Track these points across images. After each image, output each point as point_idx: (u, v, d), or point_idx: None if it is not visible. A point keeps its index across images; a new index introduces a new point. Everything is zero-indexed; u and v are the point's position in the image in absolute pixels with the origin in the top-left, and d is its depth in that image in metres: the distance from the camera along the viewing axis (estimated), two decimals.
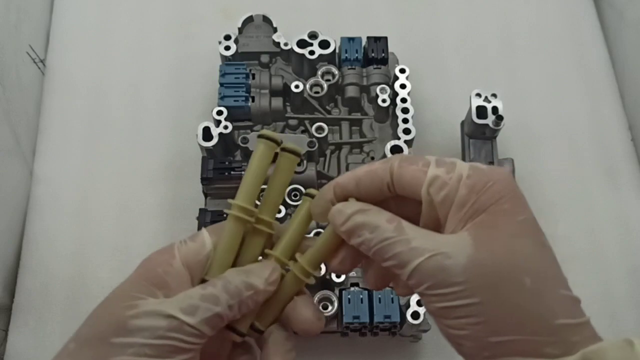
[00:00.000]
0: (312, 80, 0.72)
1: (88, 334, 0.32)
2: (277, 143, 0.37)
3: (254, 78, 0.72)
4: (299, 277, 0.37)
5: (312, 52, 0.73)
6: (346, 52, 0.74)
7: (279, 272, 0.36)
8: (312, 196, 0.37)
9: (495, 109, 0.70)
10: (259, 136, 0.37)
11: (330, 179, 0.69)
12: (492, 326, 0.29)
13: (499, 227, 0.30)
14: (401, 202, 0.34)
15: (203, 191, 0.68)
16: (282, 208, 0.64)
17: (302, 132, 0.72)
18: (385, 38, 0.74)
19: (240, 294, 0.33)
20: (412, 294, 0.39)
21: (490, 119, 0.70)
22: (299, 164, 0.67)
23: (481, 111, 0.70)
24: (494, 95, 0.71)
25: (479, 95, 0.70)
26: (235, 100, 0.70)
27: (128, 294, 0.32)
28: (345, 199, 0.34)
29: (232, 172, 0.66)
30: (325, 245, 0.36)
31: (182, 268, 0.34)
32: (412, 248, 0.30)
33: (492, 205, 0.31)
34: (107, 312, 0.32)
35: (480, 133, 0.71)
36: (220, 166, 0.66)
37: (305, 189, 0.66)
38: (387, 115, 0.72)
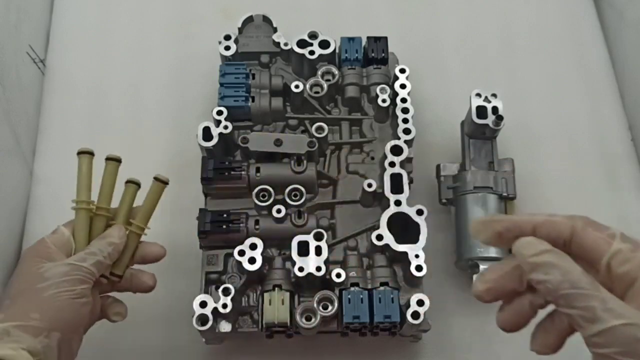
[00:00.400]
0: (312, 80, 0.72)
1: (17, 289, 0.50)
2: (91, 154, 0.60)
3: (254, 78, 0.72)
4: (135, 231, 0.58)
5: (312, 52, 0.73)
6: (346, 52, 0.73)
7: (124, 229, 0.57)
8: (136, 183, 0.60)
9: (495, 109, 0.70)
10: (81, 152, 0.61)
11: (330, 178, 0.69)
12: None
13: None
14: None
15: (203, 191, 0.68)
16: (282, 208, 0.64)
17: (302, 132, 0.72)
18: (385, 38, 0.74)
19: (107, 248, 0.54)
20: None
21: (490, 119, 0.70)
22: (299, 164, 0.67)
23: (481, 111, 0.70)
24: (494, 95, 0.71)
25: (479, 95, 0.70)
26: (235, 100, 0.70)
27: (31, 264, 0.51)
28: (515, 238, 0.35)
29: (232, 172, 0.66)
30: (147, 204, 0.59)
31: (56, 249, 0.53)
32: (609, 308, 0.31)
33: None
34: (24, 275, 0.51)
35: (480, 133, 0.71)
36: (220, 166, 0.66)
37: (306, 188, 0.66)
38: (387, 115, 0.72)
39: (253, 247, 0.62)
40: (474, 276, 0.36)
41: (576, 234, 0.34)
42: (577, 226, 0.34)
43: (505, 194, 0.68)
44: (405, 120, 0.69)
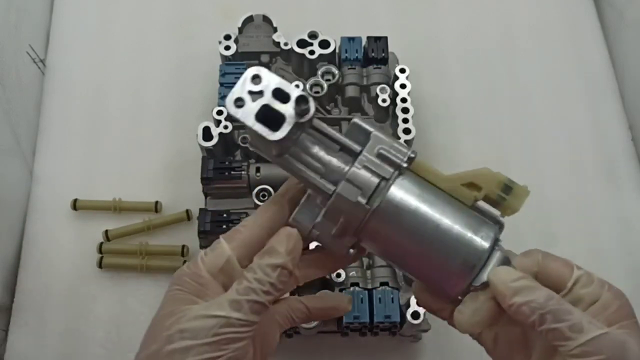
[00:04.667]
0: (312, 80, 0.72)
1: (145, 351, 0.34)
2: None
3: None
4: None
5: (312, 52, 0.73)
6: (346, 52, 0.73)
7: (295, 236, 0.37)
8: None
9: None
10: None
11: None
12: None
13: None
14: None
15: (203, 191, 0.68)
16: None
17: None
18: (386, 38, 0.74)
19: (269, 276, 0.35)
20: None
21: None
22: None
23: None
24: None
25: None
26: None
27: (170, 306, 0.35)
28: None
29: (232, 172, 0.66)
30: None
31: (210, 277, 0.36)
32: (590, 320, 0.33)
33: (631, 315, 0.35)
34: (158, 330, 0.34)
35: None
36: (220, 166, 0.66)
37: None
38: (387, 115, 0.72)
39: None
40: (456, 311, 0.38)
41: (540, 264, 0.37)
42: (539, 259, 0.37)
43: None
44: (405, 120, 0.69)
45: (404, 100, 0.70)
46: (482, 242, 0.38)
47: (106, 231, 0.72)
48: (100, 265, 0.71)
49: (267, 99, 0.36)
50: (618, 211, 0.76)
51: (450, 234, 0.38)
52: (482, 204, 0.40)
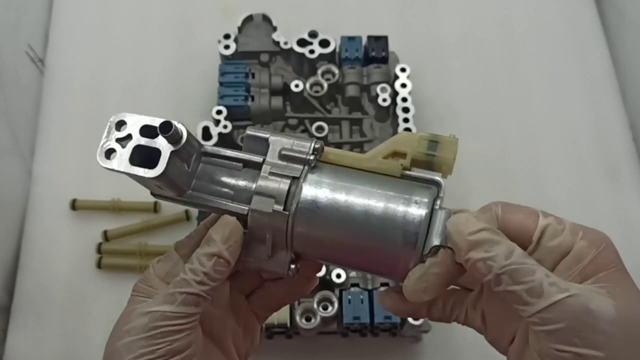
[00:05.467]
0: (312, 80, 0.72)
1: (104, 356, 0.36)
2: None
3: (253, 77, 0.72)
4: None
5: (312, 51, 0.72)
6: (346, 51, 0.73)
7: (231, 223, 0.35)
8: None
9: None
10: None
11: None
12: None
13: (631, 288, 0.31)
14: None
15: None
16: None
17: (302, 131, 0.71)
18: (386, 37, 0.74)
19: (204, 266, 0.34)
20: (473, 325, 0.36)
21: None
22: None
23: None
24: None
25: None
26: (234, 100, 0.70)
27: (123, 314, 0.36)
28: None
29: None
30: None
31: (159, 280, 0.37)
32: (553, 282, 0.29)
33: (612, 263, 0.31)
34: (112, 333, 0.36)
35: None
36: None
37: None
38: (387, 114, 0.72)
39: None
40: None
41: (500, 219, 0.33)
42: (498, 212, 0.33)
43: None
44: (406, 120, 0.69)
45: (404, 99, 0.70)
46: (418, 209, 0.34)
47: (105, 231, 0.71)
48: (99, 265, 0.70)
49: (137, 139, 0.34)
50: (619, 210, 0.75)
51: (380, 213, 0.34)
52: (415, 172, 0.37)
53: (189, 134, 0.34)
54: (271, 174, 0.35)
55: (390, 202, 0.34)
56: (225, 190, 0.36)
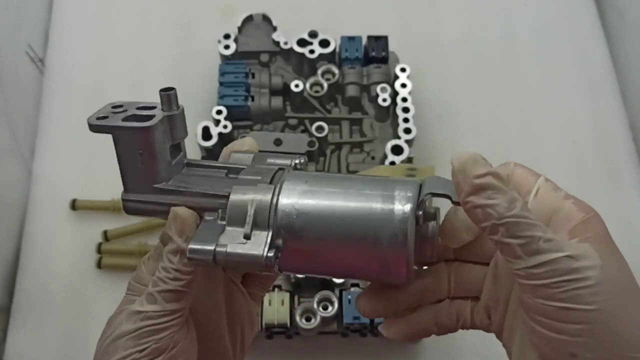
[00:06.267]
0: (312, 80, 0.72)
1: (95, 356, 0.36)
2: None
3: (253, 77, 0.72)
4: None
5: (312, 51, 0.72)
6: (346, 51, 0.73)
7: (179, 214, 0.35)
8: None
9: None
10: None
11: None
12: (617, 339, 0.29)
13: (615, 250, 0.32)
14: None
15: None
16: None
17: (302, 131, 0.71)
18: (386, 37, 0.74)
19: (172, 262, 0.34)
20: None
21: None
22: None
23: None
24: None
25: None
26: (234, 100, 0.70)
27: (115, 313, 0.37)
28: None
29: None
30: None
31: (151, 277, 0.36)
32: (549, 238, 0.30)
33: (600, 230, 0.32)
34: (103, 332, 0.36)
35: None
36: None
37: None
38: (387, 114, 0.72)
39: None
40: None
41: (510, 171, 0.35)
42: (511, 166, 0.35)
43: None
44: (405, 120, 0.69)
45: (404, 99, 0.70)
46: (403, 205, 0.32)
47: (105, 231, 0.71)
48: (99, 265, 0.70)
49: (132, 111, 0.35)
50: (619, 210, 0.75)
51: (362, 214, 0.32)
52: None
53: (183, 114, 0.35)
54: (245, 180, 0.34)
55: (369, 200, 0.32)
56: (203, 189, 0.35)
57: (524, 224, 0.29)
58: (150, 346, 0.34)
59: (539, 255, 0.29)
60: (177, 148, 0.36)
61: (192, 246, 0.33)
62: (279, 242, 0.33)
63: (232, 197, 0.34)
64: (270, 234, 0.33)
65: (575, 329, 0.29)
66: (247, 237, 0.33)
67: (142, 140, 0.34)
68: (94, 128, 0.35)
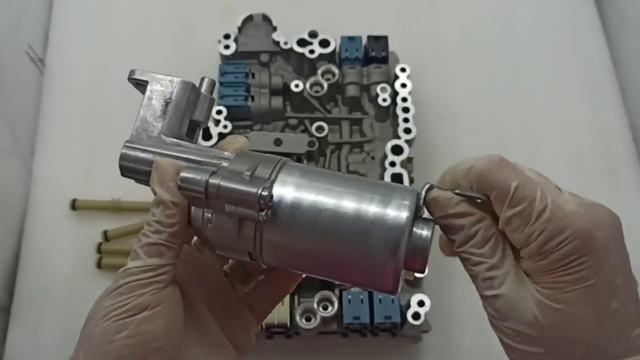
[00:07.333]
0: (312, 80, 0.72)
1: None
2: None
3: (253, 77, 0.72)
4: None
5: (312, 51, 0.72)
6: (346, 51, 0.73)
7: (160, 164, 0.35)
8: None
9: None
10: None
11: None
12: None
13: (569, 294, 0.31)
14: None
15: None
16: None
17: (302, 131, 0.71)
18: (386, 37, 0.74)
19: (154, 215, 0.34)
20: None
21: None
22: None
23: None
24: None
25: None
26: (234, 100, 0.70)
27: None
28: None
29: None
30: None
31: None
32: (490, 277, 0.32)
33: (563, 266, 0.31)
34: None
35: None
36: None
37: None
38: (387, 114, 0.72)
39: None
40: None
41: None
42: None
43: None
44: (405, 120, 0.69)
45: (404, 99, 0.70)
46: (399, 212, 0.31)
47: (105, 231, 0.71)
48: (99, 265, 0.70)
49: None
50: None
51: (355, 214, 0.31)
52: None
53: (211, 103, 0.39)
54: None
55: (365, 203, 0.31)
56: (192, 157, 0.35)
57: (470, 260, 0.33)
58: (131, 302, 0.33)
59: (479, 289, 0.33)
60: (192, 132, 0.38)
61: (183, 174, 0.33)
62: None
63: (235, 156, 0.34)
64: (270, 180, 0.32)
65: (517, 357, 0.32)
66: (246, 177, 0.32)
67: (179, 89, 0.37)
68: (131, 75, 0.38)
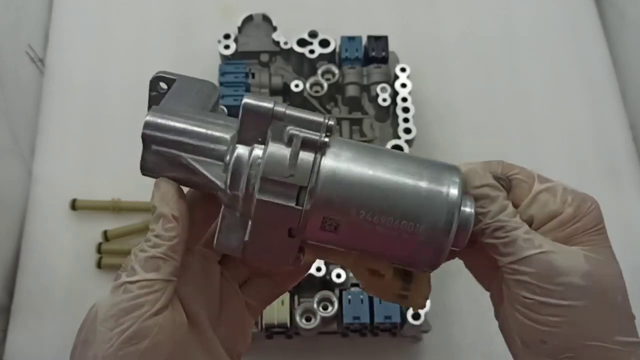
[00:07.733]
0: (312, 80, 0.72)
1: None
2: None
3: (253, 77, 0.72)
4: None
5: (312, 51, 0.72)
6: (346, 51, 0.73)
7: (161, 183, 0.36)
8: None
9: None
10: None
11: None
12: (585, 330, 0.32)
13: (602, 250, 0.35)
14: None
15: None
16: None
17: None
18: (386, 37, 0.74)
19: (154, 230, 0.34)
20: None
21: None
22: None
23: None
24: None
25: None
26: (235, 100, 0.70)
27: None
28: None
29: None
30: None
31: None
32: (528, 238, 0.33)
33: (592, 228, 0.35)
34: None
35: None
36: None
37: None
38: (387, 114, 0.72)
39: None
40: None
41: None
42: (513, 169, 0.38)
43: None
44: (405, 120, 0.69)
45: (404, 99, 0.70)
46: (453, 189, 0.32)
47: (105, 231, 0.71)
48: (99, 265, 0.70)
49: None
50: (619, 210, 0.75)
51: (415, 192, 0.32)
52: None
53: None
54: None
55: (416, 179, 0.32)
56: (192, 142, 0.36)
57: (506, 227, 0.34)
58: (132, 327, 0.32)
59: (519, 252, 0.33)
60: None
61: (246, 100, 0.33)
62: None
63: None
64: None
65: (546, 320, 0.32)
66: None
67: (210, 86, 0.39)
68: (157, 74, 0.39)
